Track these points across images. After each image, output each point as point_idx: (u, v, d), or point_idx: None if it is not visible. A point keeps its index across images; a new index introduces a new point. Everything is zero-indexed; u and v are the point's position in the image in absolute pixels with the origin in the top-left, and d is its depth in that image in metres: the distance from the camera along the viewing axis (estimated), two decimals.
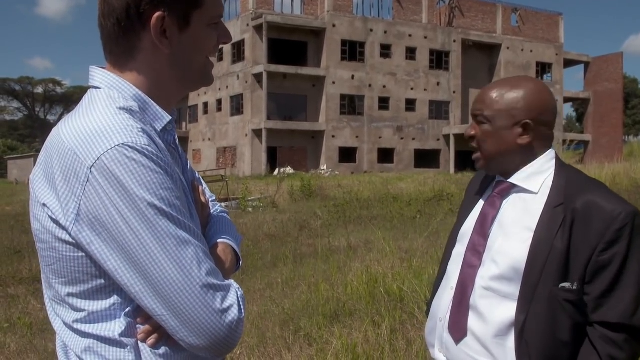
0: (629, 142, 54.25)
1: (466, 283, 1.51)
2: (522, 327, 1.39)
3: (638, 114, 77.75)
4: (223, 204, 16.28)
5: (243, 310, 1.02)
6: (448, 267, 1.64)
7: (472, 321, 1.49)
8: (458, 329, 1.51)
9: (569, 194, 1.41)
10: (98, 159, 0.93)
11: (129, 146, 0.94)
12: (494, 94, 1.50)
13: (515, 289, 1.41)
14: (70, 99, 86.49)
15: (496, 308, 1.44)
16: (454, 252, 1.63)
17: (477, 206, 1.61)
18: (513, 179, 1.51)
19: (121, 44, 1.04)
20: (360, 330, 4.37)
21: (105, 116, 0.98)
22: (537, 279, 1.37)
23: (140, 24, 1.02)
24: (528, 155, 1.50)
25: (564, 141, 42.62)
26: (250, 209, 15.50)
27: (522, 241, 1.42)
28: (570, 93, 53.01)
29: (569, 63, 53.29)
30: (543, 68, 50.09)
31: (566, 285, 1.36)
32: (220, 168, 37.27)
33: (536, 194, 1.46)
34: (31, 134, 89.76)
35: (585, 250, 1.35)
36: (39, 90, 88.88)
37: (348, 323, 4.69)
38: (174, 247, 0.94)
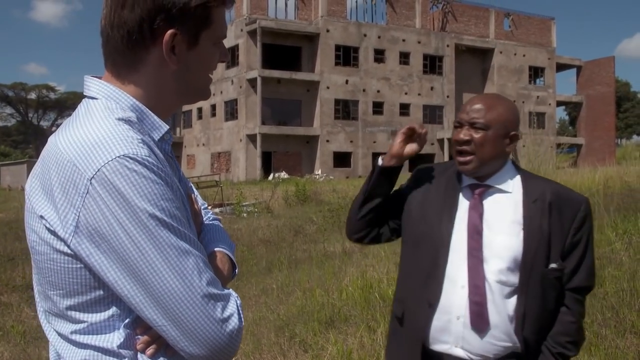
0: (622, 145, 54.56)
1: (478, 281, 1.66)
2: (524, 307, 1.64)
3: (630, 117, 78.23)
4: (218, 209, 16.24)
5: (242, 319, 1.02)
6: (448, 268, 1.70)
7: (492, 313, 1.66)
8: (482, 322, 1.66)
9: (539, 190, 1.70)
10: (98, 170, 0.92)
11: (130, 157, 0.94)
12: (490, 105, 1.69)
13: (517, 277, 1.65)
14: (63, 105, 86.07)
15: (508, 297, 1.66)
16: (448, 252, 1.71)
17: (457, 209, 1.74)
18: (492, 182, 1.73)
19: (127, 56, 1.05)
20: (355, 336, 4.37)
21: (105, 127, 0.98)
22: (531, 264, 1.64)
23: (151, 39, 1.03)
24: (505, 161, 1.75)
25: (558, 145, 42.76)
26: (245, 214, 15.48)
27: (516, 234, 1.66)
28: (563, 97, 53.30)
29: (561, 67, 53.60)
30: (536, 72, 50.36)
31: (554, 265, 1.66)
32: (215, 173, 37.20)
33: (511, 193, 1.72)
34: (24, 140, 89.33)
35: (561, 233, 1.67)
36: (32, 96, 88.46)
37: (343, 329, 4.69)
38: (175, 257, 0.95)
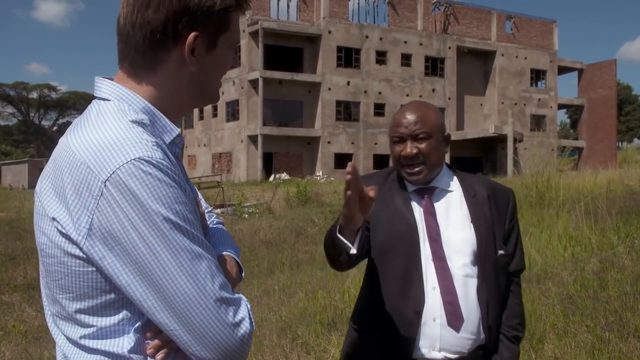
0: (623, 148, 54.55)
1: (447, 281, 1.71)
2: (487, 295, 1.73)
3: (631, 120, 78.23)
4: (219, 210, 16.23)
5: (253, 323, 1.02)
6: (416, 273, 1.72)
7: (463, 309, 1.71)
8: (457, 320, 1.70)
9: (475, 185, 1.84)
10: (113, 172, 0.92)
11: (145, 160, 0.93)
12: (425, 114, 1.77)
13: (477, 268, 1.74)
14: (65, 104, 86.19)
15: (473, 289, 1.74)
16: (420, 259, 1.73)
17: (413, 215, 1.76)
18: (437, 184, 1.81)
19: (147, 56, 1.04)
20: None
21: (119, 129, 0.97)
22: (485, 254, 1.74)
23: (174, 40, 1.04)
24: (443, 162, 1.84)
25: (562, 148, 42.76)
26: (246, 215, 15.47)
27: (468, 228, 1.76)
28: (564, 100, 53.29)
29: (562, 70, 53.60)
30: (537, 75, 50.36)
31: (502, 251, 1.78)
32: (216, 174, 37.20)
33: (454, 191, 1.82)
34: (25, 139, 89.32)
35: (500, 222, 1.81)
36: (34, 95, 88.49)
37: (345, 331, 4.67)
38: (188, 261, 0.94)
